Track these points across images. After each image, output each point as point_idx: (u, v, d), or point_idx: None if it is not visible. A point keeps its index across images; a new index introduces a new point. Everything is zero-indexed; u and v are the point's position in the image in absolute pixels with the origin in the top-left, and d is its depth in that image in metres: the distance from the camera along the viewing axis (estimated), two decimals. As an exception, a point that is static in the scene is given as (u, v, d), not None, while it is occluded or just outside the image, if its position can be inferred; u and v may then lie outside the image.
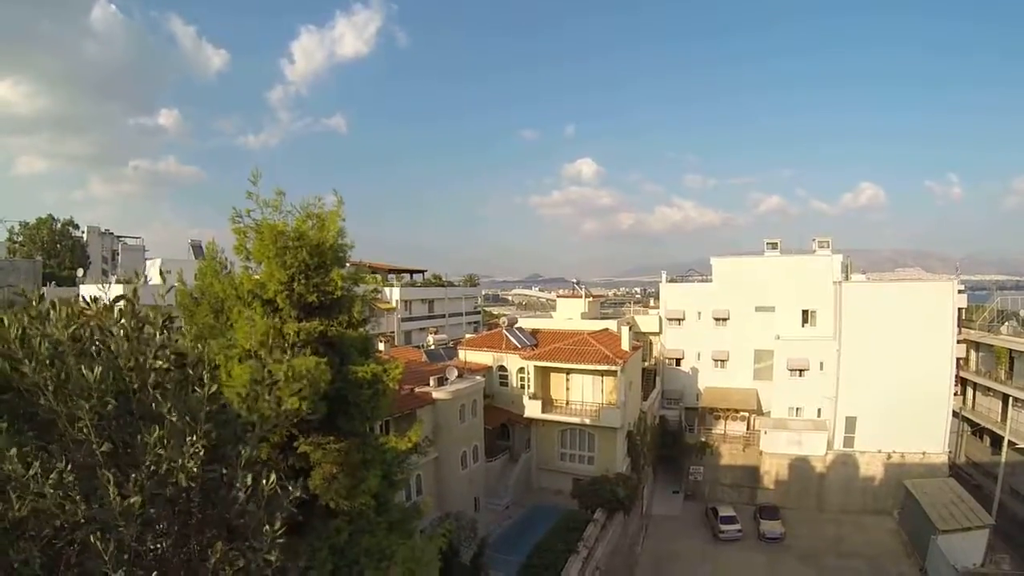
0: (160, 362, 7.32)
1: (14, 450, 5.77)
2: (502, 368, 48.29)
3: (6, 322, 6.56)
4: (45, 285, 55.70)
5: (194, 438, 7.23)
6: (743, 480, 55.14)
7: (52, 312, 6.95)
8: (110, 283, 48.75)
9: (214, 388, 7.65)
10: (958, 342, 53.29)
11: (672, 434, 58.31)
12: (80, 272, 70.96)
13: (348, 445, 15.31)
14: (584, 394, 44.49)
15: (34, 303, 7.00)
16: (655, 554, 44.83)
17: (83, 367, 6.43)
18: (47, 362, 6.51)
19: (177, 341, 7.97)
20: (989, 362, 57.45)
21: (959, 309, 54.33)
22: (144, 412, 7.23)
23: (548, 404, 44.90)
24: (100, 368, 6.49)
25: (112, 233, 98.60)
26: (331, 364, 14.52)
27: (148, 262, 74.13)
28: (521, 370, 47.05)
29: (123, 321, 7.52)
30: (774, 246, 60.54)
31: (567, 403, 44.92)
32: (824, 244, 58.50)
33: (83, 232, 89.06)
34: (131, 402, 7.15)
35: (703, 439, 57.03)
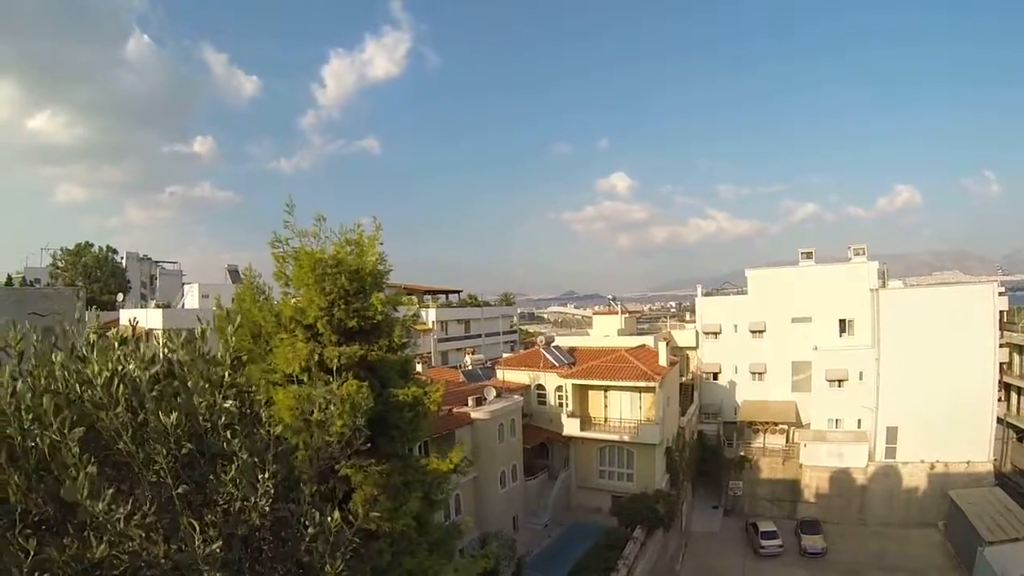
0: (230, 401, 7.52)
1: (111, 490, 5.97)
2: (540, 387, 48.48)
3: (95, 364, 6.76)
4: (88, 310, 56.83)
5: (265, 475, 7.40)
6: (783, 494, 54.35)
7: (135, 353, 7.16)
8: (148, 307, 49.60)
9: (279, 428, 7.86)
10: (1000, 346, 52.18)
11: (711, 449, 57.74)
12: (120, 297, 72.26)
13: (389, 467, 15.45)
14: (622, 411, 44.20)
15: (116, 343, 7.22)
16: (695, 571, 44.38)
17: (160, 412, 6.65)
18: (126, 407, 6.70)
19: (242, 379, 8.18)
20: (1033, 365, 56.27)
21: (1000, 311, 53.16)
22: (216, 452, 7.45)
23: (586, 422, 44.68)
24: (177, 413, 6.70)
25: (150, 258, 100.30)
26: (372, 388, 14.68)
27: (185, 287, 75.17)
28: (559, 388, 47.20)
29: (196, 359, 7.72)
30: (809, 255, 59.87)
31: (605, 420, 44.66)
32: (859, 251, 57.77)
33: (122, 257, 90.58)
34: (204, 443, 7.36)
35: (742, 453, 56.43)
